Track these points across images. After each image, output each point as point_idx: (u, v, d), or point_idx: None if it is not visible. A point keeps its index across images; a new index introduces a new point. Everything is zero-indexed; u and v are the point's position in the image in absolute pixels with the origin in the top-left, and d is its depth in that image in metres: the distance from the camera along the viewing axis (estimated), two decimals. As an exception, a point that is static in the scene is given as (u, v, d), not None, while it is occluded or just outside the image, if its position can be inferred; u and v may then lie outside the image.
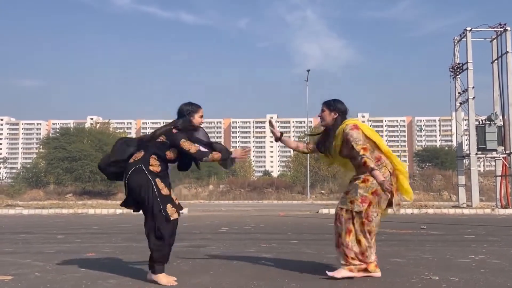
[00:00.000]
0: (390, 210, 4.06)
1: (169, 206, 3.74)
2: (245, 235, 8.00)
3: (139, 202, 3.82)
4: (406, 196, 4.01)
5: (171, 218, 3.72)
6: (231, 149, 4.00)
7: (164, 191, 3.78)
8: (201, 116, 4.04)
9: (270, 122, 4.36)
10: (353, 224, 3.86)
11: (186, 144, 3.80)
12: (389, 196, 3.86)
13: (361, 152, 3.78)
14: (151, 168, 3.81)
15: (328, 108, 4.09)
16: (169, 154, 3.88)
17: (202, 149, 3.87)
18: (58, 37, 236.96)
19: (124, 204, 3.95)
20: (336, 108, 4.07)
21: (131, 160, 3.88)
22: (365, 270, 3.86)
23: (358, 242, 3.86)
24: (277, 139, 4.30)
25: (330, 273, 3.85)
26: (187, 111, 3.97)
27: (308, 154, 34.20)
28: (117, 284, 3.71)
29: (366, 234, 3.85)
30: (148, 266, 3.83)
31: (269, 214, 14.81)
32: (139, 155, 3.88)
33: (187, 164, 4.04)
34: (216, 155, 3.87)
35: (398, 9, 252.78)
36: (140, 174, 3.78)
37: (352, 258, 3.83)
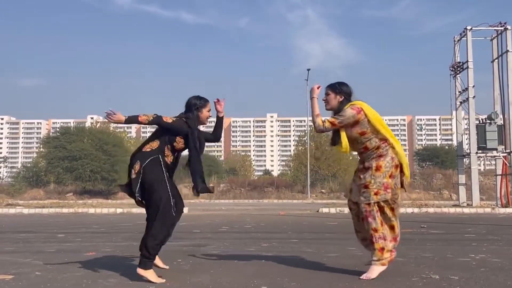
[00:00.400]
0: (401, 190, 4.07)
1: (176, 199, 3.82)
2: (245, 234, 8.00)
3: (147, 191, 3.79)
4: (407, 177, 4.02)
5: (179, 212, 3.83)
6: (203, 182, 4.04)
7: (173, 184, 3.85)
8: (209, 111, 4.05)
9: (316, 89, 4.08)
10: (383, 213, 3.85)
11: (167, 118, 3.85)
12: (399, 176, 3.90)
13: (327, 119, 3.87)
14: (166, 159, 3.84)
15: (333, 91, 4.01)
16: (177, 144, 3.90)
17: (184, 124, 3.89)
18: (59, 36, 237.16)
19: (124, 187, 3.93)
20: (342, 91, 4.00)
21: (147, 149, 3.88)
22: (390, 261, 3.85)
23: (391, 228, 3.87)
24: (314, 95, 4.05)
25: (364, 277, 3.74)
26: (195, 105, 3.98)
27: (309, 154, 34.10)
28: (118, 283, 3.71)
29: (397, 219, 3.90)
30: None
31: (269, 213, 14.82)
32: (155, 144, 3.89)
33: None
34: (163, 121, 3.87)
35: (399, 8, 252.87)
36: (157, 165, 3.79)
37: (387, 251, 3.80)
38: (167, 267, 4.21)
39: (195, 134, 3.93)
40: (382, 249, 3.79)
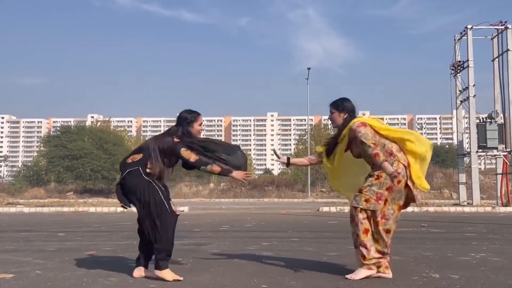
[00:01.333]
0: (411, 205, 3.99)
1: (171, 202, 3.81)
2: (245, 233, 8.00)
3: (132, 202, 3.86)
4: (420, 186, 3.86)
5: (177, 213, 3.81)
6: (234, 168, 3.94)
7: (164, 190, 3.83)
8: (200, 124, 4.05)
9: (274, 151, 4.40)
10: (370, 223, 3.78)
11: (186, 153, 3.83)
12: (404, 191, 3.80)
13: (372, 146, 3.76)
14: (148, 170, 3.84)
15: (336, 110, 4.04)
16: (167, 161, 3.91)
17: (203, 158, 3.87)
18: (59, 35, 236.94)
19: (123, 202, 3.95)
20: (344, 108, 4.02)
21: (129, 160, 3.91)
22: (382, 268, 3.78)
23: (376, 241, 3.79)
24: (288, 164, 4.25)
25: (349, 276, 3.76)
26: (186, 119, 3.97)
27: (309, 153, 34.03)
28: (118, 282, 3.71)
29: (383, 233, 3.77)
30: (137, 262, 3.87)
31: (269, 212, 14.83)
32: (138, 156, 3.90)
33: (191, 166, 4.05)
34: (216, 168, 3.85)
35: (399, 7, 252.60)
36: (136, 176, 3.81)
37: (370, 258, 3.74)
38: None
39: (193, 142, 3.93)
40: (363, 256, 3.75)
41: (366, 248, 3.75)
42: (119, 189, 3.92)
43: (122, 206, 3.96)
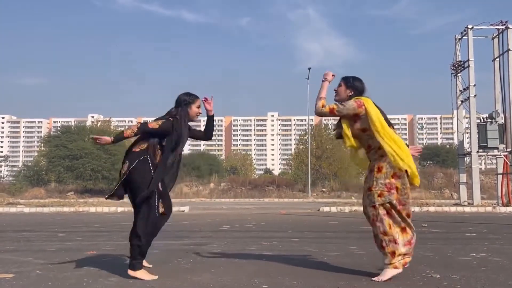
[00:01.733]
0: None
1: (161, 201, 3.81)
2: (246, 233, 8.00)
3: (133, 192, 3.83)
4: (415, 180, 3.83)
5: (161, 212, 3.80)
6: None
7: (161, 186, 3.84)
8: (198, 107, 4.06)
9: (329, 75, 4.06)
10: (390, 216, 3.73)
11: (154, 124, 3.89)
12: (406, 177, 3.76)
13: (328, 105, 3.81)
14: (155, 158, 3.85)
15: (345, 84, 3.99)
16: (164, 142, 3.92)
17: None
18: (60, 35, 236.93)
19: (112, 195, 3.92)
20: (353, 85, 3.96)
21: (137, 149, 3.90)
22: (405, 264, 3.73)
23: (403, 230, 3.74)
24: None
25: (376, 279, 3.67)
26: (184, 101, 4.00)
27: (309, 153, 34.04)
28: (118, 282, 3.71)
29: (407, 220, 3.75)
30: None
31: (270, 212, 14.82)
32: (144, 145, 3.90)
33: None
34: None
35: (400, 7, 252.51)
36: (146, 165, 3.79)
37: (399, 254, 3.68)
38: (150, 265, 4.15)
39: (180, 136, 3.93)
40: (393, 252, 3.68)
41: (396, 242, 3.68)
42: (121, 180, 3.87)
43: (110, 197, 3.92)
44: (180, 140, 3.94)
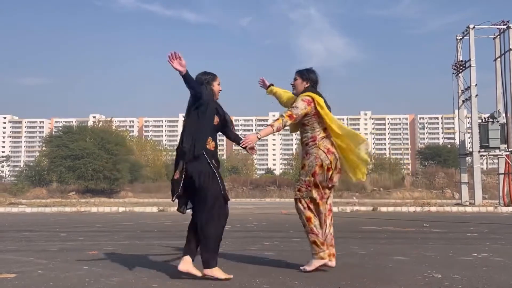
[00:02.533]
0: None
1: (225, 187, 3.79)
2: (247, 233, 8.00)
3: (194, 189, 3.69)
4: (355, 178, 4.07)
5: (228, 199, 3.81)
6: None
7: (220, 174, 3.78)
8: (219, 84, 3.99)
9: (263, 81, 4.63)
10: (310, 209, 3.97)
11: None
12: (327, 175, 3.94)
13: (285, 114, 3.94)
14: (208, 146, 3.74)
15: (300, 77, 4.19)
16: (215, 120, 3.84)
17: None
18: (61, 35, 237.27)
19: (178, 197, 3.77)
20: (308, 77, 4.18)
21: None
22: (330, 257, 3.95)
23: (323, 223, 3.98)
24: (268, 87, 4.53)
25: (302, 268, 3.97)
26: (205, 80, 3.90)
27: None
28: (120, 281, 3.71)
29: (323, 215, 3.98)
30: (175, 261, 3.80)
31: (271, 212, 14.82)
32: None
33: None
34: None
35: (401, 6, 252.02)
36: (202, 159, 3.69)
37: (322, 244, 3.91)
38: (200, 274, 3.77)
39: (212, 105, 3.82)
40: (314, 242, 3.92)
41: (316, 235, 3.92)
42: (178, 182, 3.70)
43: (178, 210, 3.84)
44: (206, 106, 3.75)
